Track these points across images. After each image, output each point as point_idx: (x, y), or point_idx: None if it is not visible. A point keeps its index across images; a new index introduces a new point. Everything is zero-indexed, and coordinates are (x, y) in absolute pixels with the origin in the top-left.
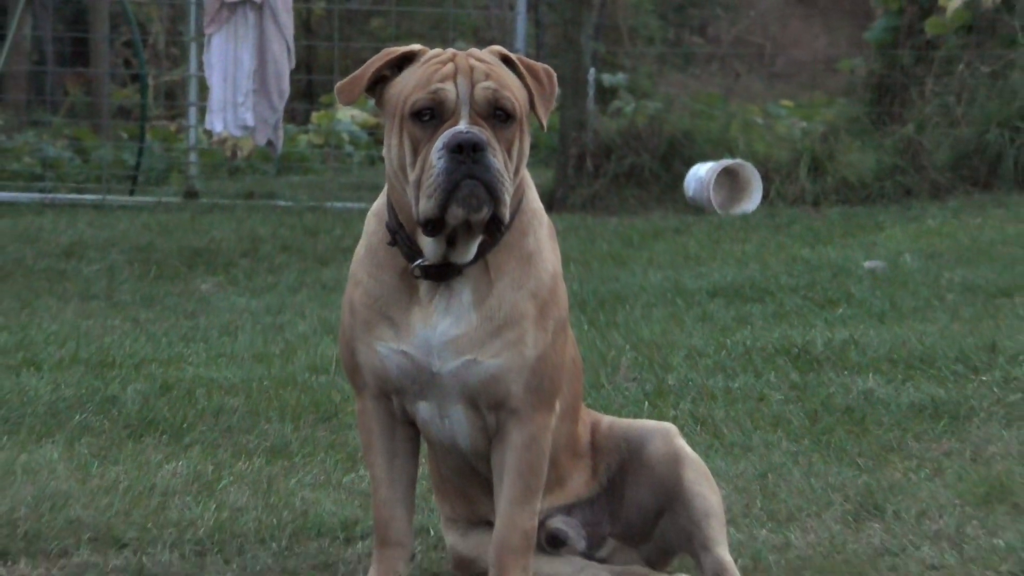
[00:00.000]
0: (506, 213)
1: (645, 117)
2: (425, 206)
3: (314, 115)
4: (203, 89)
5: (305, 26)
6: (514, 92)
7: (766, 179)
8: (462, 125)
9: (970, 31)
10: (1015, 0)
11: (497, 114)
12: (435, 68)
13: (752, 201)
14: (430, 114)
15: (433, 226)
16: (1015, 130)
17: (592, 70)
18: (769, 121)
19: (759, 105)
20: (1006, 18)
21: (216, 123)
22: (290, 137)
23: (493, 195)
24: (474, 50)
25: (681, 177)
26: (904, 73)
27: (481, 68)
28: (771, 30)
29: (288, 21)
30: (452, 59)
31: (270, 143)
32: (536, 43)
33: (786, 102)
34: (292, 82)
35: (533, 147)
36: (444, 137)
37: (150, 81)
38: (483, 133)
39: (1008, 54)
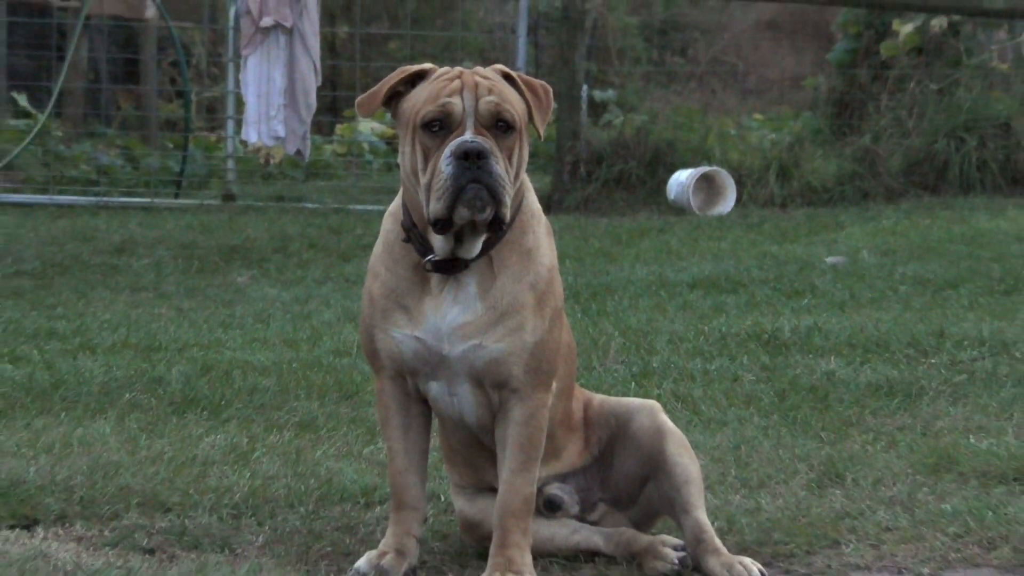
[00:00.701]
0: (507, 213)
1: (632, 128)
2: (435, 207)
3: (338, 127)
4: (240, 104)
5: (330, 48)
6: (514, 105)
7: (739, 184)
8: (467, 135)
9: (920, 53)
10: (960, 26)
11: (499, 125)
12: (444, 84)
13: (727, 203)
14: (439, 125)
15: (442, 225)
16: (960, 141)
17: (585, 87)
18: (742, 132)
19: (733, 118)
20: (952, 42)
21: (251, 134)
22: (317, 146)
23: (495, 197)
24: (479, 68)
25: (664, 182)
26: (862, 90)
27: (485, 84)
28: (744, 52)
29: (315, 44)
30: (459, 76)
31: (299, 152)
32: (535, 63)
33: (757, 115)
34: (318, 98)
35: (533, 155)
36: (452, 146)
37: (193, 97)
38: (486, 142)
39: (954, 73)
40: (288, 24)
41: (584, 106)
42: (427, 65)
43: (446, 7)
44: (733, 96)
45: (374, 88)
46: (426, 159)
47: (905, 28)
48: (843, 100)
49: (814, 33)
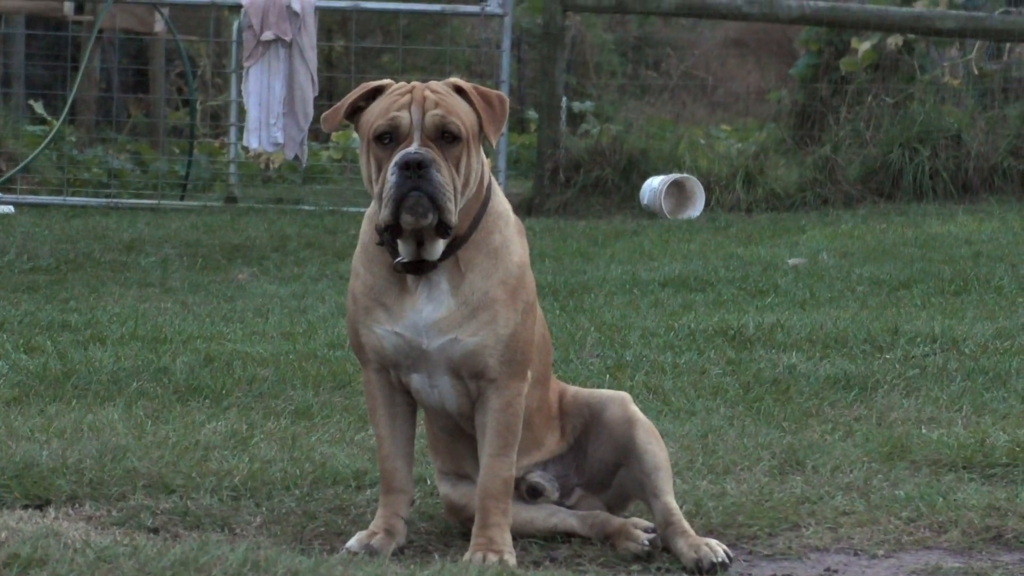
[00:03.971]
0: (451, 219)
1: (608, 138)
2: (383, 214)
3: (334, 134)
4: (242, 112)
5: (327, 60)
6: (461, 117)
7: (708, 190)
8: (413, 147)
9: (877, 69)
10: (914, 44)
11: (445, 136)
12: (395, 99)
13: (696, 208)
14: (389, 137)
15: (391, 231)
16: (914, 151)
17: (564, 98)
18: (711, 141)
19: (702, 128)
20: (906, 58)
21: (252, 140)
22: (314, 152)
23: (436, 204)
24: (432, 83)
25: (638, 188)
26: (822, 103)
27: (432, 98)
28: (712, 67)
29: (312, 56)
30: (410, 91)
31: (297, 157)
32: (518, 76)
33: (725, 126)
34: (315, 107)
35: (515, 162)
36: (397, 157)
37: (198, 105)
38: (430, 152)
39: (908, 88)
40: (288, 38)
41: (563, 116)
42: (385, 81)
43: (436, 23)
44: (702, 108)
45: (336, 104)
46: (379, 169)
47: (863, 45)
48: (805, 112)
49: (778, 50)
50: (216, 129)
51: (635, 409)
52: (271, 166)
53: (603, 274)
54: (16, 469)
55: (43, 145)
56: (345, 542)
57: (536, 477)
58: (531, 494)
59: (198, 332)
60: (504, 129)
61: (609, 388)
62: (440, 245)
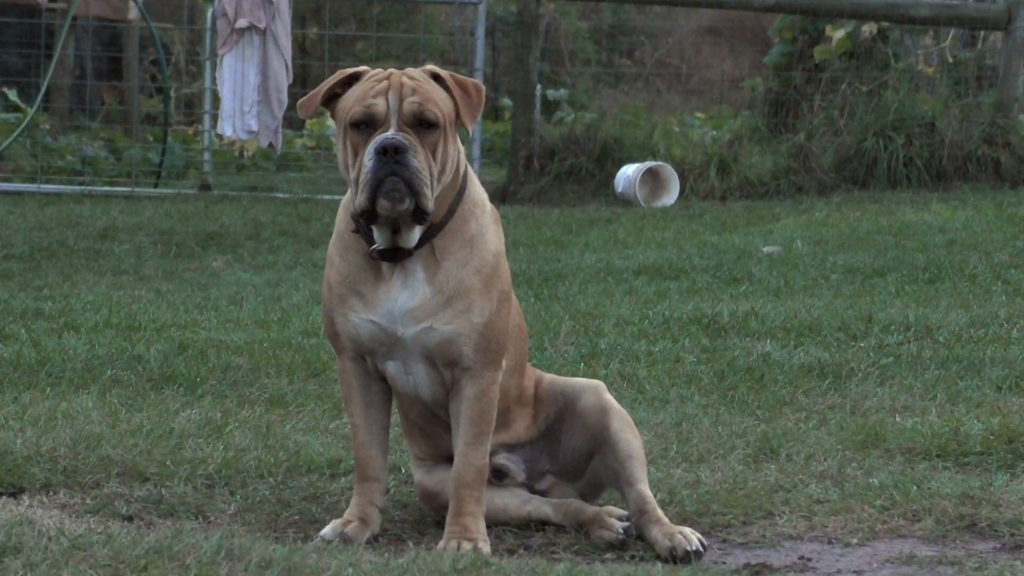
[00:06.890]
0: (428, 205)
1: (583, 125)
2: (359, 199)
3: (308, 122)
4: (216, 100)
5: (301, 48)
6: (438, 104)
7: (682, 178)
8: (389, 132)
9: (851, 57)
10: (888, 32)
11: (422, 123)
12: (372, 85)
13: (671, 196)
14: (366, 123)
15: (368, 216)
16: (887, 139)
17: (539, 86)
18: (685, 129)
19: (676, 116)
20: (881, 46)
21: (226, 128)
22: (288, 140)
23: (412, 189)
24: (409, 69)
25: (612, 175)
26: (796, 91)
27: (410, 85)
28: (686, 54)
29: (287, 44)
30: (387, 78)
31: (271, 145)
32: (492, 64)
33: (699, 114)
34: (290, 94)
35: (489, 150)
36: (374, 142)
37: (172, 93)
38: (407, 138)
39: (882, 76)
40: (262, 26)
41: (538, 104)
42: (362, 68)
43: (409, 11)
44: (676, 96)
45: (313, 91)
46: (355, 155)
47: (837, 33)
48: (779, 100)
49: (752, 38)
50: (190, 117)
51: (609, 397)
52: (245, 154)
53: (577, 262)
54: None
55: (17, 133)
56: (319, 530)
57: (502, 459)
58: (496, 476)
59: (172, 320)
60: (479, 117)
61: (584, 376)
62: (416, 232)
